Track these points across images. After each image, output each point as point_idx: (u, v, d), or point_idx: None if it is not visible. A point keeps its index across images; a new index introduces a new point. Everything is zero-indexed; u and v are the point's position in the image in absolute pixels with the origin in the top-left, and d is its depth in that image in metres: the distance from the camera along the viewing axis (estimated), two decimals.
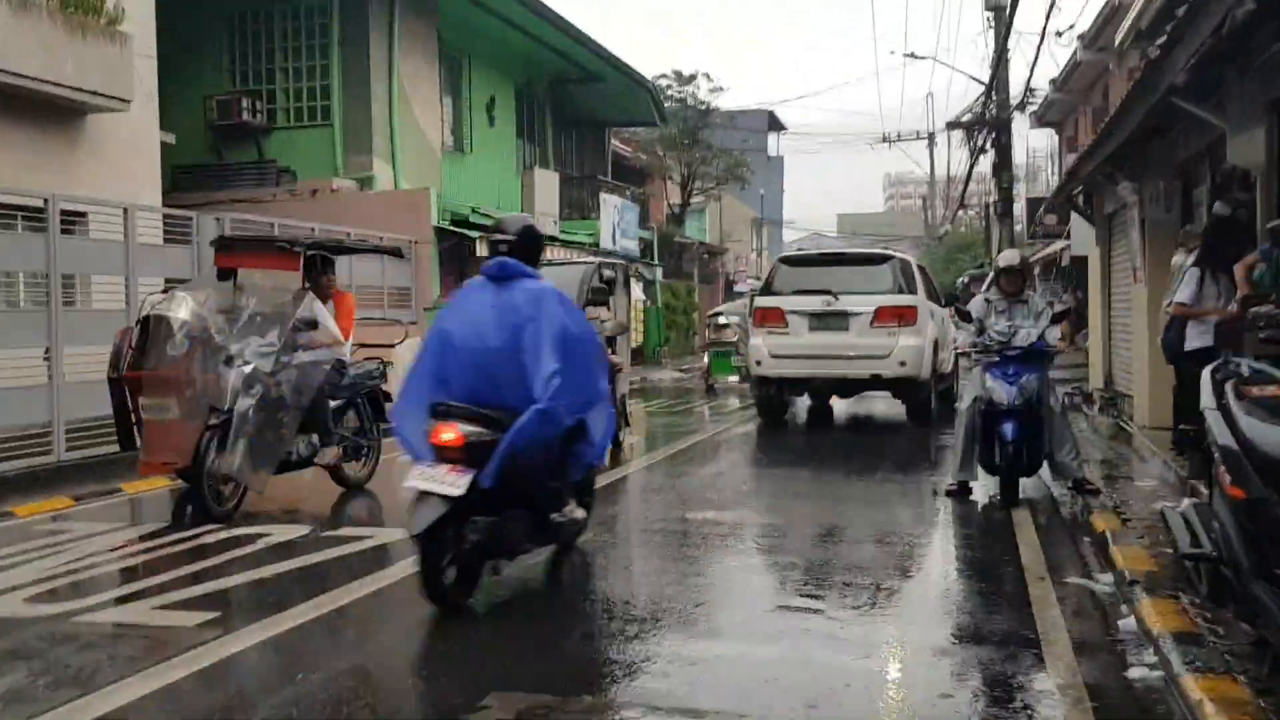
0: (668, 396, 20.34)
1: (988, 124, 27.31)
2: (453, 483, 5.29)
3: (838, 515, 8.75)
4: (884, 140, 57.68)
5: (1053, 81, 31.78)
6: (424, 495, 5.33)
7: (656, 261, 27.44)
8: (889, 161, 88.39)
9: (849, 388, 14.44)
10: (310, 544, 7.25)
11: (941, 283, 52.74)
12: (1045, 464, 9.10)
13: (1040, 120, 37.16)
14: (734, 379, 21.08)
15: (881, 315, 13.00)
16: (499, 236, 6.08)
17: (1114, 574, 6.44)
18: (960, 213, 43.84)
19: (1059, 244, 30.12)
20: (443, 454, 5.40)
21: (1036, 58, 27.93)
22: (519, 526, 5.78)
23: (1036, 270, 35.47)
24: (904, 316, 13.04)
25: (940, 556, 7.48)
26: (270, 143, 18.42)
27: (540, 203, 19.88)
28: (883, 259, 14.28)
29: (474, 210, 19.79)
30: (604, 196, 23.00)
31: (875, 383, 13.50)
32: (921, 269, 14.94)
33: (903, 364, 13.01)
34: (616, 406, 8.36)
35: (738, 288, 42.67)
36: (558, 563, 6.64)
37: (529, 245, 6.12)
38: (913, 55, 30.79)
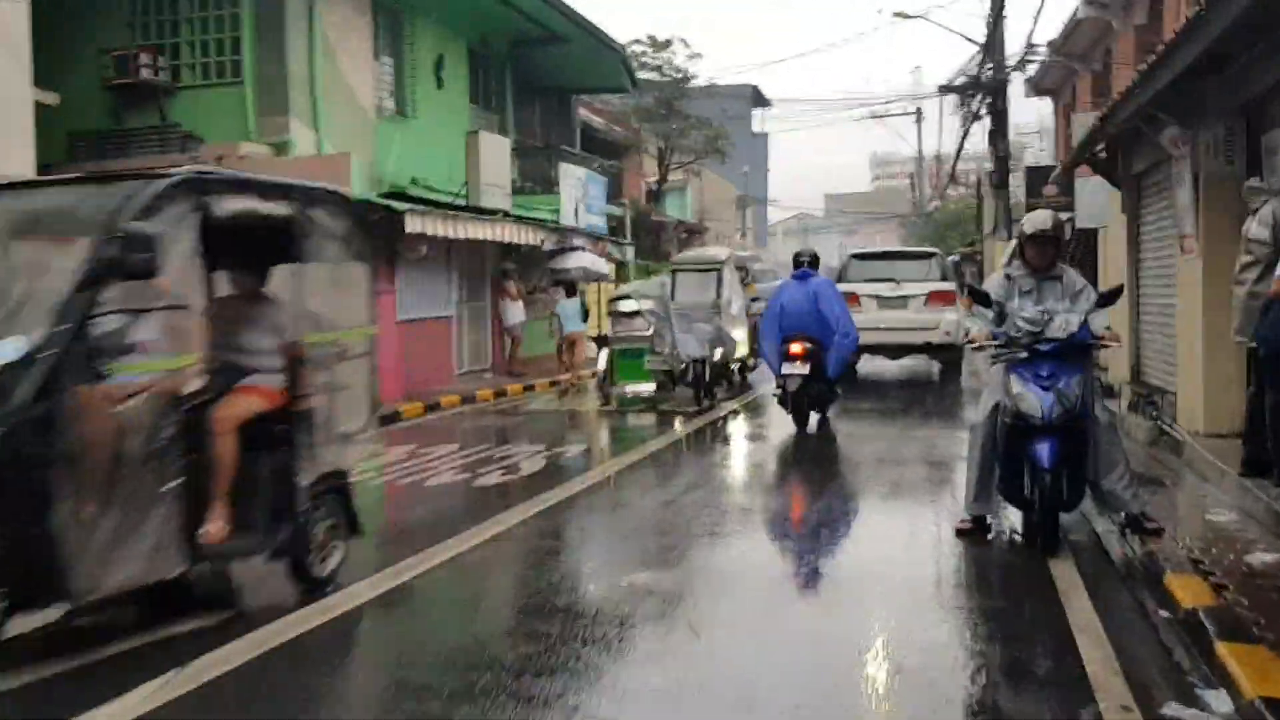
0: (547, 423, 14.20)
1: (983, 87, 24.94)
2: (802, 370, 11.82)
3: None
4: (871, 116, 55.62)
5: (1050, 44, 29.36)
6: (788, 376, 11.87)
7: (628, 240, 25.02)
8: (876, 141, 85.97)
9: (905, 351, 18.08)
10: None
11: None
12: (1089, 492, 6.80)
13: (1036, 88, 34.66)
14: (646, 387, 15.05)
15: (931, 298, 17.37)
16: (802, 258, 12.65)
17: (1232, 698, 4.11)
18: (950, 188, 41.42)
19: (1061, 217, 27.77)
20: (792, 357, 11.85)
21: (1041, 8, 25.58)
22: (824, 392, 12.19)
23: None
24: (947, 299, 17.42)
25: (953, 662, 4.74)
26: (175, 104, 15.91)
27: (488, 172, 17.37)
28: (930, 255, 19.57)
29: (414, 181, 17.38)
30: (565, 167, 20.52)
31: (925, 348, 17.53)
32: (956, 262, 20.09)
33: (947, 334, 16.96)
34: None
35: None
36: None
37: (814, 261, 12.63)
38: (903, 15, 27.83)
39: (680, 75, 31.02)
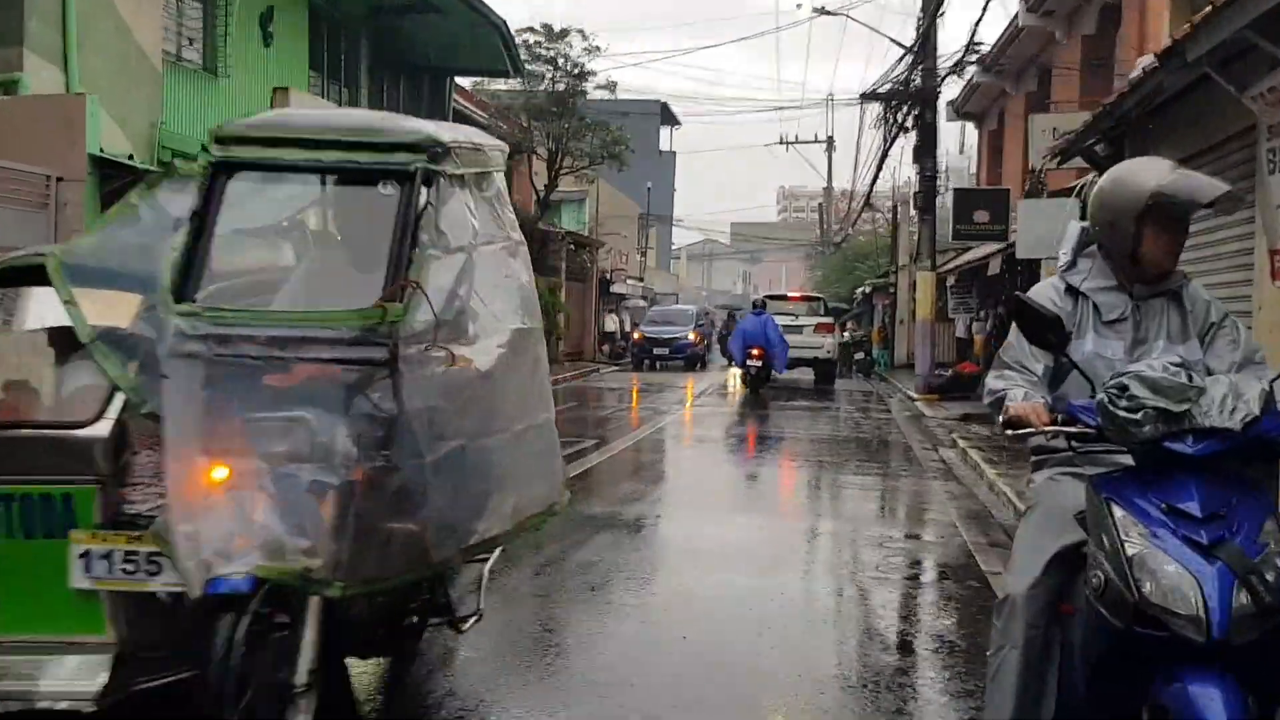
0: None
1: (911, 96, 21.80)
2: (758, 364, 21.11)
3: None
4: (780, 143, 52.78)
5: (980, 59, 26.45)
6: (750, 367, 21.12)
7: None
8: (784, 172, 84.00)
9: (799, 363, 23.65)
10: None
11: (837, 292, 47.73)
12: None
13: (959, 111, 31.93)
14: None
15: (819, 328, 24.99)
16: (758, 302, 24.25)
17: None
18: (864, 215, 38.53)
19: (988, 247, 24.79)
20: (753, 357, 21.05)
21: (986, 6, 22.65)
22: (766, 375, 21.51)
23: (950, 282, 30.29)
24: (828, 329, 25.38)
25: None
26: None
27: None
28: (817, 298, 28.50)
29: (204, 148, 13.25)
30: None
31: (813, 361, 24.38)
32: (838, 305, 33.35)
33: (828, 352, 24.77)
34: None
35: (615, 288, 36.56)
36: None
37: (764, 305, 23.43)
38: (824, 11, 24.58)
39: (577, 70, 27.32)
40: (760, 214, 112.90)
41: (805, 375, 24.64)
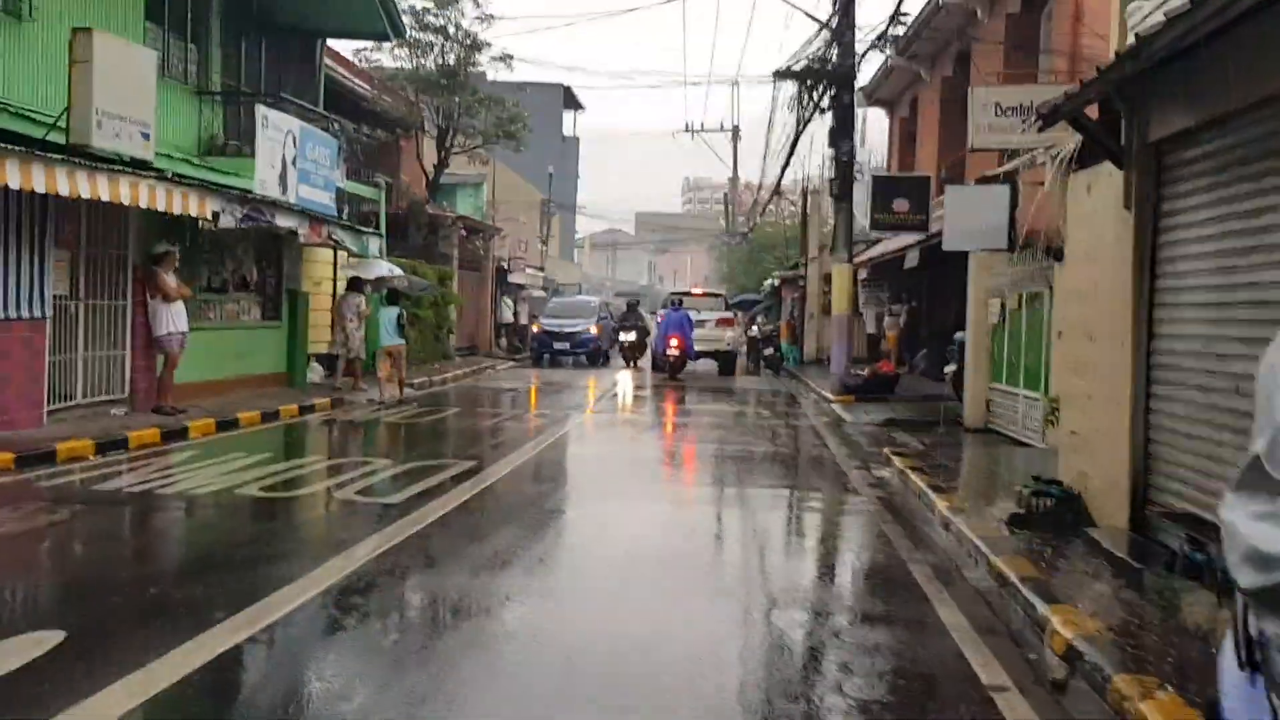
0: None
1: (827, 75, 19.99)
2: (676, 351, 23.88)
3: None
4: (686, 130, 50.89)
5: (894, 40, 24.79)
6: (671, 353, 23.90)
7: (373, 230, 18.68)
8: (690, 161, 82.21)
9: (703, 354, 25.87)
10: None
11: (743, 284, 46.06)
12: None
13: (870, 97, 30.37)
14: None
15: (719, 322, 27.28)
16: (676, 298, 27.27)
17: None
18: (773, 204, 36.82)
19: (904, 239, 23.20)
20: (672, 347, 23.88)
21: None
22: (684, 361, 24.25)
23: (863, 275, 28.69)
24: (729, 323, 27.79)
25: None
26: None
27: (108, 96, 10.45)
28: (719, 295, 30.93)
29: (6, 109, 10.70)
30: (266, 114, 14.00)
31: (714, 353, 26.48)
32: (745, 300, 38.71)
33: (728, 345, 26.98)
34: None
35: (513, 278, 34.17)
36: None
37: (681, 302, 26.27)
38: None
39: (469, 40, 24.90)
40: (667, 204, 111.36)
41: (711, 367, 27.12)
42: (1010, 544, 7.12)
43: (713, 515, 8.66)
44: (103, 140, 10.38)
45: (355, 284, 17.45)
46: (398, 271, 20.05)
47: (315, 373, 17.72)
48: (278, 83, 18.05)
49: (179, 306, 12.68)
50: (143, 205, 11.06)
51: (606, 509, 8.64)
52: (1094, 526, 7.33)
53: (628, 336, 27.27)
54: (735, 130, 50.84)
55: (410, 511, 7.91)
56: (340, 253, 18.86)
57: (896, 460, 11.09)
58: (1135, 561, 6.18)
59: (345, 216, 19.10)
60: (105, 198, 10.37)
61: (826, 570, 7.01)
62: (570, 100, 53.80)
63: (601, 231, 76.85)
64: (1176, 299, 6.62)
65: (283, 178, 14.19)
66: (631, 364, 26.94)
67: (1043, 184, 14.08)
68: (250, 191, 13.53)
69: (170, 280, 12.61)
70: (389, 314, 16.56)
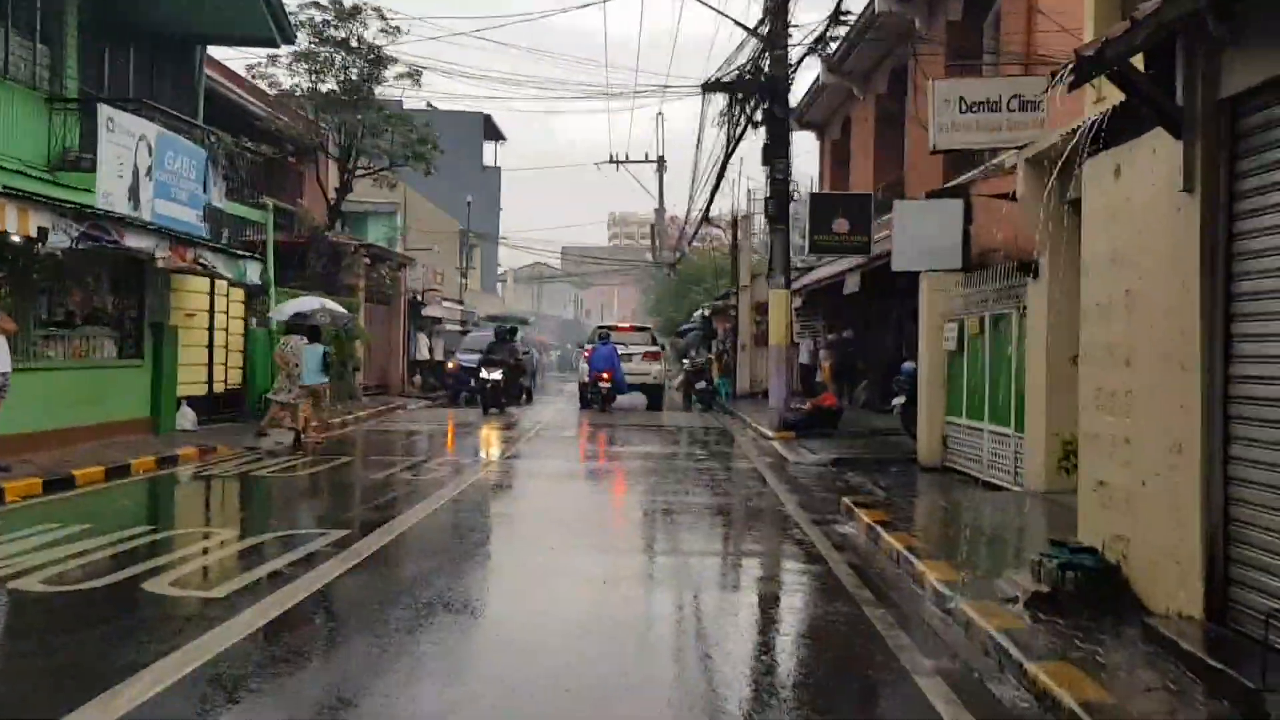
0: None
1: (759, 86, 18.33)
2: (606, 385, 23.63)
3: None
4: (611, 161, 49.34)
5: (826, 58, 23.35)
6: (602, 386, 23.64)
7: (257, 256, 16.40)
8: (617, 193, 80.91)
9: (635, 386, 25.59)
10: None
11: (672, 317, 44.31)
12: None
13: (800, 120, 28.86)
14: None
15: (646, 356, 26.63)
16: (604, 332, 26.64)
17: None
18: (702, 232, 35.13)
19: (842, 264, 21.56)
20: (601, 379, 23.57)
21: None
22: (614, 394, 24.02)
23: (797, 304, 26.97)
24: (656, 356, 27.06)
25: None
26: None
27: None
28: (645, 329, 30.08)
29: None
30: (110, 115, 11.69)
31: (642, 386, 25.88)
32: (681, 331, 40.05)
33: (655, 378, 26.35)
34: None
35: (428, 311, 31.87)
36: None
37: (607, 336, 25.76)
38: None
39: (373, 55, 22.79)
40: (593, 238, 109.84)
41: (640, 400, 26.23)
42: (1042, 640, 5.24)
43: (640, 610, 6.62)
44: None
45: (297, 326, 16.41)
46: (335, 307, 18.95)
47: (186, 418, 15.30)
48: (149, 93, 15.75)
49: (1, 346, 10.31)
50: None
51: (497, 607, 6.57)
52: (1147, 612, 5.49)
53: (491, 375, 22.43)
54: (660, 160, 49.47)
55: (235, 612, 5.76)
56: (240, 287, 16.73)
57: (860, 513, 9.20)
58: (1235, 672, 4.32)
59: (226, 241, 16.82)
60: None
61: (808, 693, 5.03)
62: (491, 130, 51.80)
63: (527, 265, 74.76)
64: (1264, 308, 4.83)
65: (134, 190, 11.92)
66: (490, 410, 22.14)
67: (1003, 196, 12.50)
68: (90, 207, 11.25)
69: None
70: (312, 352, 15.44)
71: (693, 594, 6.94)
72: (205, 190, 15.52)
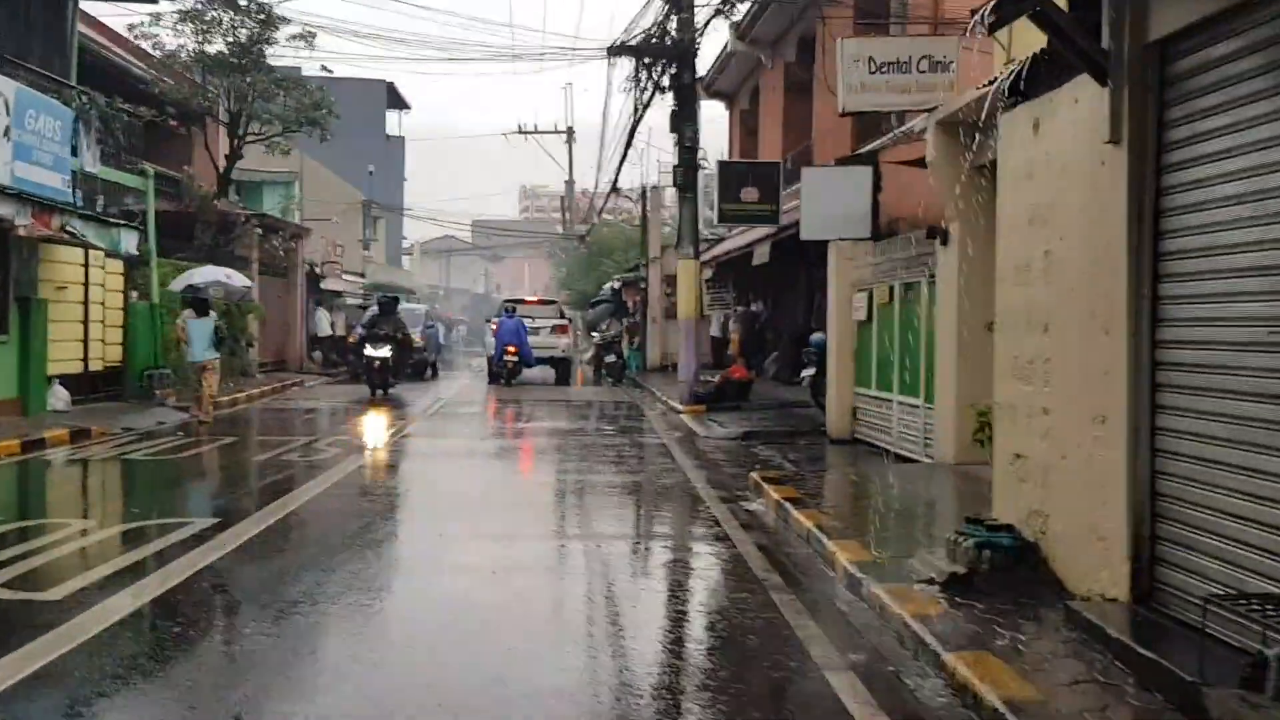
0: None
1: (667, 51, 17.78)
2: (514, 359, 23.04)
3: None
4: (519, 131, 48.31)
5: (734, 26, 22.90)
6: (508, 361, 22.99)
7: (135, 224, 15.31)
8: (527, 165, 78.88)
9: (543, 360, 25.09)
10: None
11: (583, 290, 43.76)
12: None
13: (708, 89, 28.40)
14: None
15: (555, 329, 26.09)
16: (510, 305, 25.26)
17: None
18: (611, 203, 34.54)
19: (752, 234, 21.20)
20: (508, 354, 22.98)
21: None
22: (521, 369, 23.33)
23: (707, 275, 26.59)
24: (564, 330, 26.76)
25: None
26: None
27: None
28: (553, 302, 30.62)
29: None
30: None
31: (550, 360, 25.48)
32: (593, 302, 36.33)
33: (563, 351, 26.03)
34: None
35: (327, 284, 30.72)
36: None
37: (514, 310, 24.23)
38: None
39: (263, 15, 21.57)
40: (503, 210, 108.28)
41: (548, 374, 25.95)
42: (960, 626, 4.86)
43: (533, 607, 6.10)
44: None
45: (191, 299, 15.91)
46: (240, 279, 18.49)
47: (59, 398, 14.22)
48: (16, 49, 14.49)
49: None
50: None
51: (372, 605, 5.97)
52: (1069, 594, 5.15)
53: (377, 352, 19.65)
54: (569, 131, 48.58)
55: (70, 616, 5.07)
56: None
57: (769, 489, 8.80)
58: (1169, 663, 3.97)
59: (102, 209, 15.66)
60: None
61: (710, 695, 4.56)
62: (394, 99, 50.23)
63: (437, 238, 73.12)
64: (1194, 267, 4.48)
65: None
66: (378, 392, 19.54)
67: (912, 163, 12.18)
68: None
69: None
70: (202, 326, 14.91)
71: (590, 584, 6.44)
72: (80, 154, 14.42)
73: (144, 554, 6.50)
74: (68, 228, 12.76)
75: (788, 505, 8.07)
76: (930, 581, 5.59)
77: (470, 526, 7.90)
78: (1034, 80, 5.71)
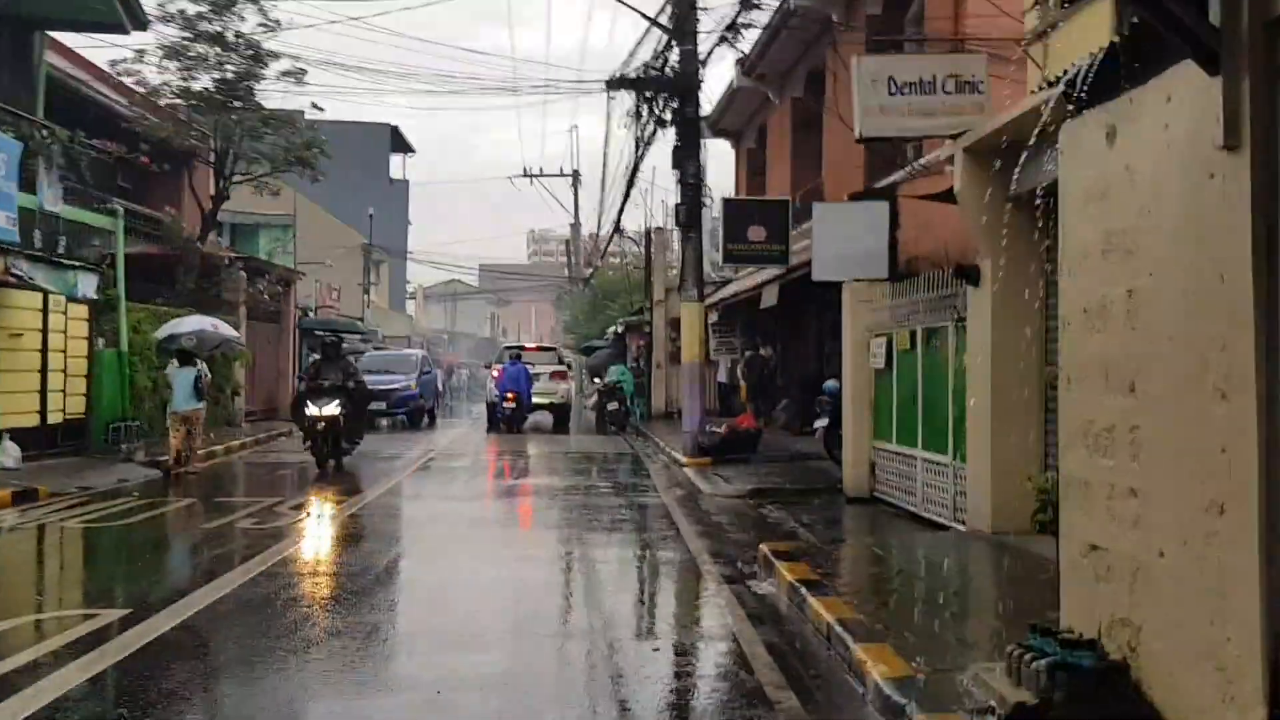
0: None
1: (668, 84, 16.77)
2: (512, 405, 23.54)
3: None
4: (525, 175, 47.63)
5: (740, 61, 21.99)
6: (509, 408, 23.60)
7: (95, 266, 14.23)
8: (534, 210, 78.69)
9: (541, 406, 25.64)
10: None
11: (587, 333, 42.69)
12: None
13: (714, 127, 27.43)
14: None
15: (554, 375, 26.73)
16: (514, 351, 25.91)
17: None
18: (616, 245, 33.53)
19: (760, 275, 20.06)
20: (509, 399, 23.52)
21: None
22: (523, 415, 24.16)
23: (713, 319, 25.49)
24: (563, 376, 27.42)
25: None
26: None
27: None
28: (553, 349, 31.42)
29: None
30: None
31: (550, 406, 25.98)
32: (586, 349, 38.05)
33: (563, 398, 26.55)
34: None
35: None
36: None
37: (519, 355, 25.28)
38: None
39: (252, 52, 20.71)
40: (512, 254, 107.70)
41: (547, 420, 26.35)
42: None
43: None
44: None
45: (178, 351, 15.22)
46: (226, 330, 17.90)
47: (8, 454, 13.04)
48: None
49: None
50: None
51: None
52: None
53: (322, 410, 14.58)
54: (575, 174, 47.94)
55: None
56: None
57: (781, 567, 7.55)
58: None
59: (65, 250, 14.62)
60: None
61: None
62: (399, 142, 49.57)
63: (443, 282, 72.34)
64: None
65: None
66: (326, 464, 14.68)
67: (932, 198, 11.05)
68: None
69: None
70: (185, 375, 14.30)
71: (562, 713, 5.09)
72: (39, 192, 13.43)
73: (13, 665, 5.27)
74: (14, 270, 11.68)
75: (803, 590, 6.82)
76: (990, 712, 4.35)
77: (420, 622, 6.62)
78: (1099, 85, 4.57)
